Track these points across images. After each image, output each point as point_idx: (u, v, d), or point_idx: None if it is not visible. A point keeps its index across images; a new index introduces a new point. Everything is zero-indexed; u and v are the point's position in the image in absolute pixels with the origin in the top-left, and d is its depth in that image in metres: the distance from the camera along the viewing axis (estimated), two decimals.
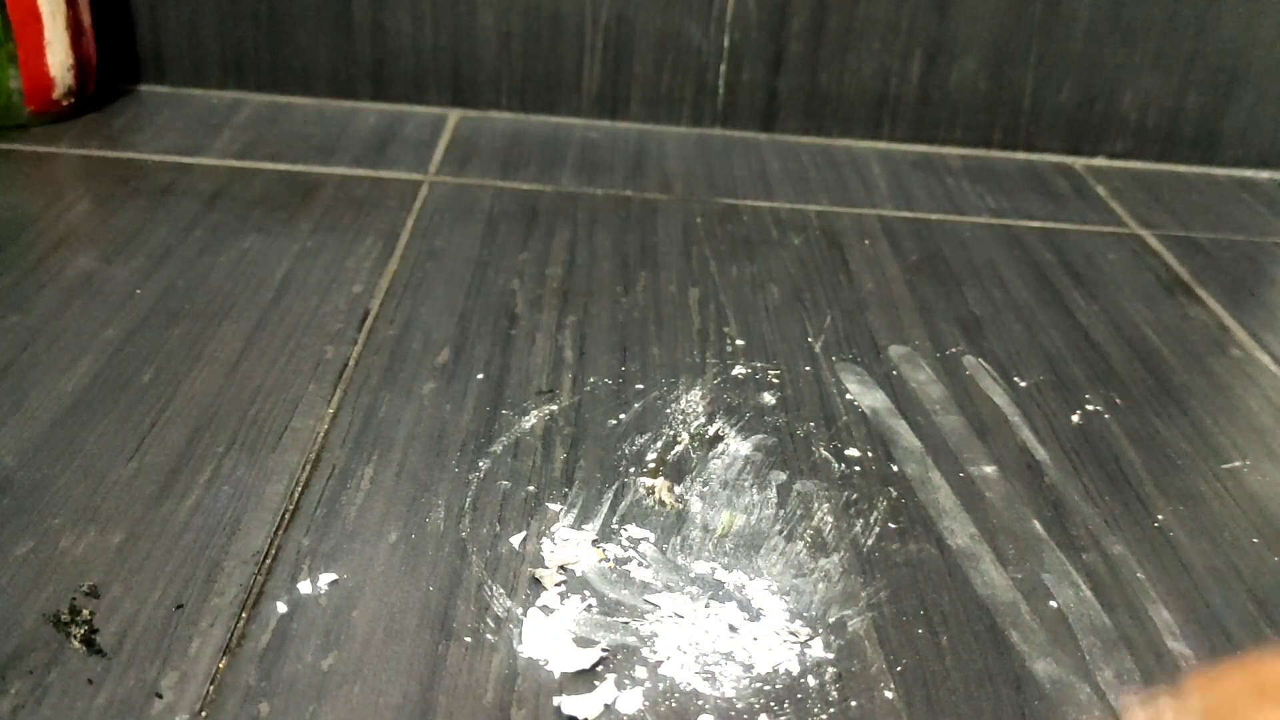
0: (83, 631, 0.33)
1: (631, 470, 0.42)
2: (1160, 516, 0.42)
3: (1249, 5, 0.73)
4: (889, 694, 0.33)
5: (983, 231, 0.65)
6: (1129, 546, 0.40)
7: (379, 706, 0.31)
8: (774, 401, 0.47)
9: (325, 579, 0.35)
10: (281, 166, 0.66)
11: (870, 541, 0.39)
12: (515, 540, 0.38)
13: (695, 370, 0.49)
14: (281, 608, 0.34)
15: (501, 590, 0.35)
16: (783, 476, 0.42)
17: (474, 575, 0.36)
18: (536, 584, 0.36)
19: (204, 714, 0.31)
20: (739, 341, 0.51)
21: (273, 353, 0.47)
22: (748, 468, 0.42)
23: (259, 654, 0.33)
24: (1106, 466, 0.44)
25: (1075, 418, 0.47)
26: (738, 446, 0.44)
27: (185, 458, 0.41)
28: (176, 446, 0.41)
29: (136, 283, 0.52)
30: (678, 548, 0.38)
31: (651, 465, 0.42)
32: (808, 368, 0.49)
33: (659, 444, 0.43)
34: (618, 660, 0.33)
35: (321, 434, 0.42)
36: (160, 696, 0.31)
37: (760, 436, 0.44)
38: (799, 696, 0.32)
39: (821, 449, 0.44)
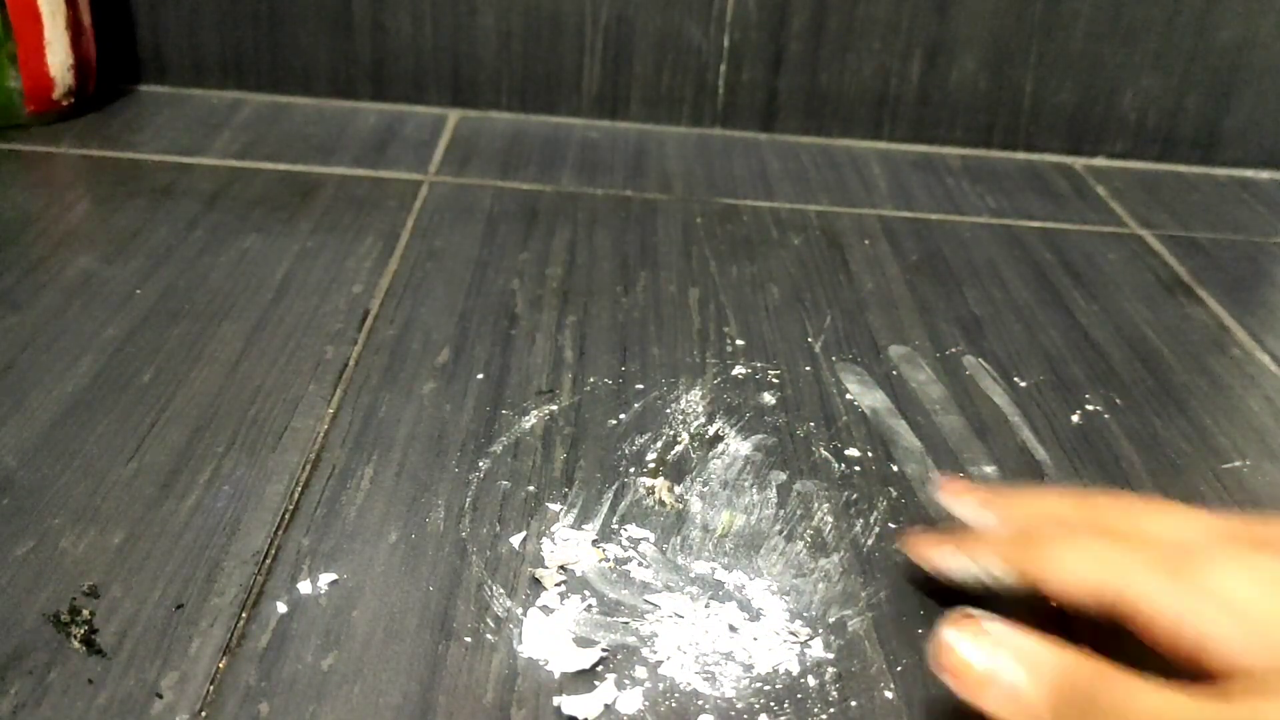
0: (83, 631, 0.33)
1: (631, 470, 0.42)
2: None
3: (1249, 5, 0.73)
4: (889, 694, 0.33)
5: (983, 231, 0.65)
6: None
7: (379, 706, 0.31)
8: (774, 401, 0.47)
9: (325, 579, 0.35)
10: (281, 166, 0.66)
11: (870, 541, 0.39)
12: (515, 540, 0.38)
13: (695, 370, 0.49)
14: (281, 608, 0.34)
15: (501, 590, 0.35)
16: (783, 476, 0.42)
17: (474, 575, 0.36)
18: (536, 584, 0.36)
19: (204, 714, 0.31)
20: (739, 341, 0.51)
21: (273, 353, 0.47)
22: (748, 468, 0.42)
23: (259, 654, 0.33)
24: (1106, 466, 0.44)
25: (1075, 418, 0.47)
26: (738, 446, 0.44)
27: (185, 458, 0.41)
28: (176, 446, 0.41)
29: (136, 283, 0.52)
30: (678, 548, 0.38)
31: (651, 465, 0.42)
32: (808, 368, 0.49)
33: (659, 444, 0.43)
34: (618, 660, 0.33)
35: (321, 434, 0.42)
36: (160, 696, 0.31)
37: (760, 436, 0.44)
38: (799, 696, 0.32)
39: (821, 449, 0.44)
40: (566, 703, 0.31)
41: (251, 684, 0.32)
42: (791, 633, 0.34)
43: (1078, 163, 0.77)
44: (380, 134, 0.72)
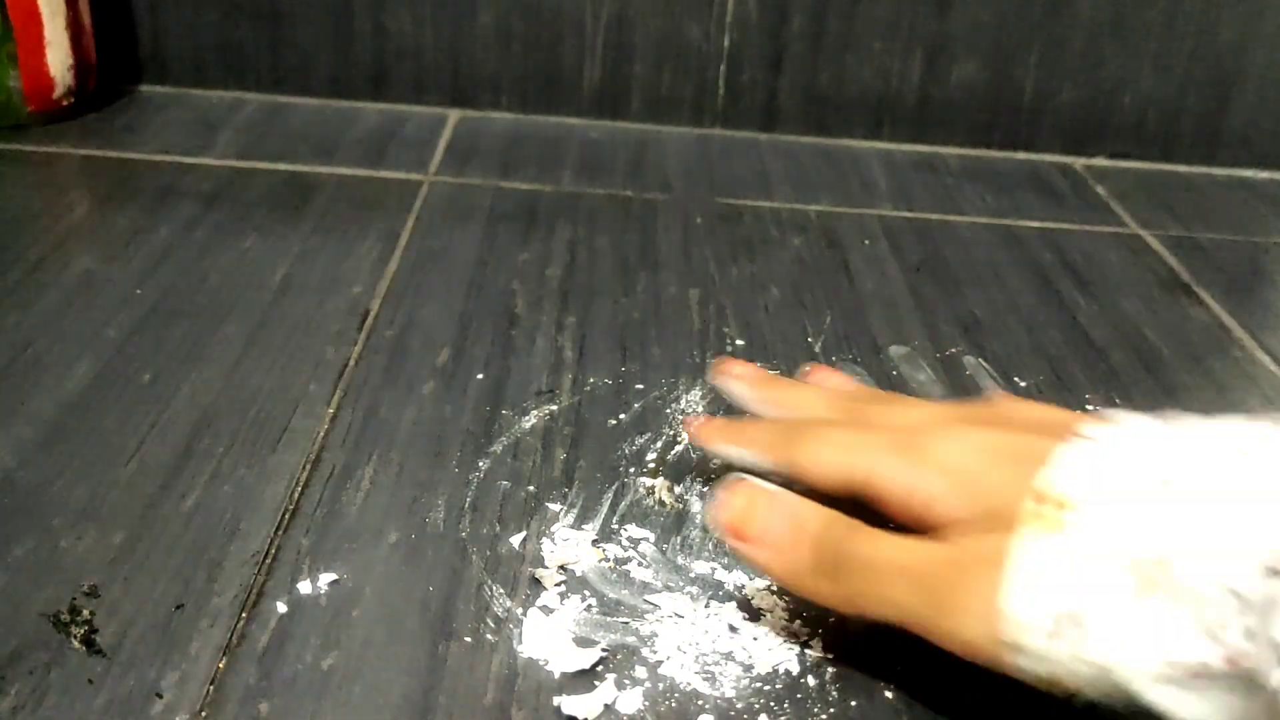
0: (83, 631, 0.33)
1: (631, 470, 0.42)
2: None
3: (1249, 5, 0.73)
4: (889, 694, 0.33)
5: (983, 231, 0.65)
6: None
7: (379, 706, 0.31)
8: None
9: (325, 579, 0.35)
10: (281, 166, 0.66)
11: None
12: (515, 540, 0.38)
13: (695, 370, 0.49)
14: (281, 608, 0.34)
15: (501, 590, 0.35)
16: None
17: (474, 575, 0.36)
18: (536, 584, 0.36)
19: (204, 714, 0.31)
20: (739, 341, 0.51)
21: (273, 353, 0.47)
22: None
23: (259, 654, 0.33)
24: None
25: None
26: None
27: (185, 458, 0.41)
28: (176, 446, 0.41)
29: (136, 283, 0.52)
30: (678, 548, 0.38)
31: (651, 465, 0.42)
32: (807, 368, 0.49)
33: (659, 444, 0.43)
34: (618, 660, 0.33)
35: (321, 434, 0.42)
36: (160, 696, 0.31)
37: None
38: (799, 696, 0.32)
39: None
40: (566, 703, 0.31)
41: (251, 684, 0.32)
42: (791, 633, 0.34)
43: (1078, 163, 0.77)
44: (380, 134, 0.72)
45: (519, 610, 0.35)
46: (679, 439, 0.44)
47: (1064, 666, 0.27)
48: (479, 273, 0.56)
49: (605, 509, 0.39)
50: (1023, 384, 0.49)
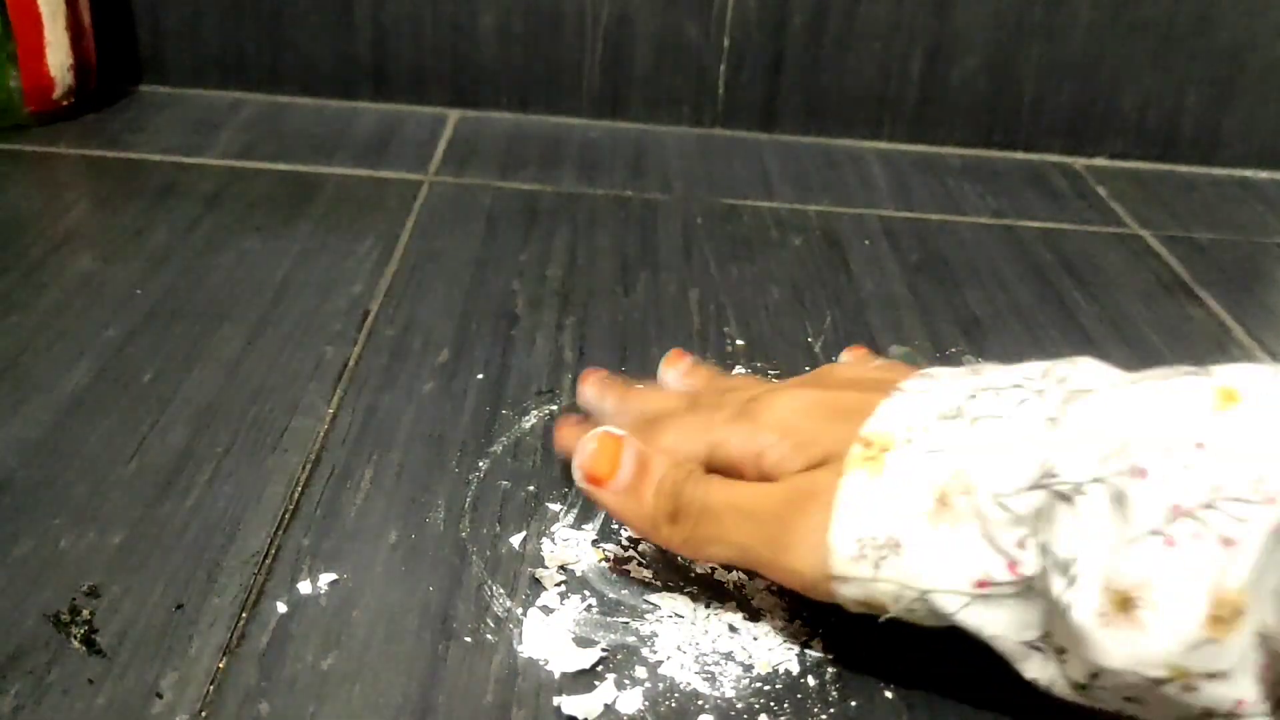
0: (83, 631, 0.33)
1: None
2: None
3: (1249, 5, 0.73)
4: (889, 694, 0.33)
5: (983, 231, 0.65)
6: None
7: (379, 706, 0.31)
8: None
9: (325, 579, 0.35)
10: (281, 166, 0.66)
11: None
12: (515, 540, 0.38)
13: None
14: (281, 608, 0.34)
15: (501, 590, 0.35)
16: None
17: (474, 575, 0.36)
18: (536, 584, 0.36)
19: (204, 714, 0.31)
20: (739, 341, 0.51)
21: (273, 353, 0.47)
22: None
23: (259, 654, 0.33)
24: None
25: None
26: None
27: (185, 458, 0.41)
28: (176, 446, 0.41)
29: (136, 283, 0.52)
30: None
31: None
32: (808, 367, 0.49)
33: None
34: (618, 660, 0.33)
35: (321, 434, 0.42)
36: (160, 696, 0.31)
37: None
38: (799, 696, 0.32)
39: None
40: (566, 703, 0.31)
41: (251, 684, 0.32)
42: (791, 633, 0.34)
43: (1078, 163, 0.77)
44: (380, 134, 0.72)
45: (519, 610, 0.35)
46: None
47: (882, 592, 0.30)
48: (479, 273, 0.56)
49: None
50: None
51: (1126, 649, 0.26)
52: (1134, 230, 0.67)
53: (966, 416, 0.30)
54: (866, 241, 0.62)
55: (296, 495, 0.39)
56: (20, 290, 0.51)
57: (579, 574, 0.36)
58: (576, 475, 0.35)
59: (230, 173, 0.65)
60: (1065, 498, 0.28)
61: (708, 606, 0.35)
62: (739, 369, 0.49)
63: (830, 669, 0.33)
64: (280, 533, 0.37)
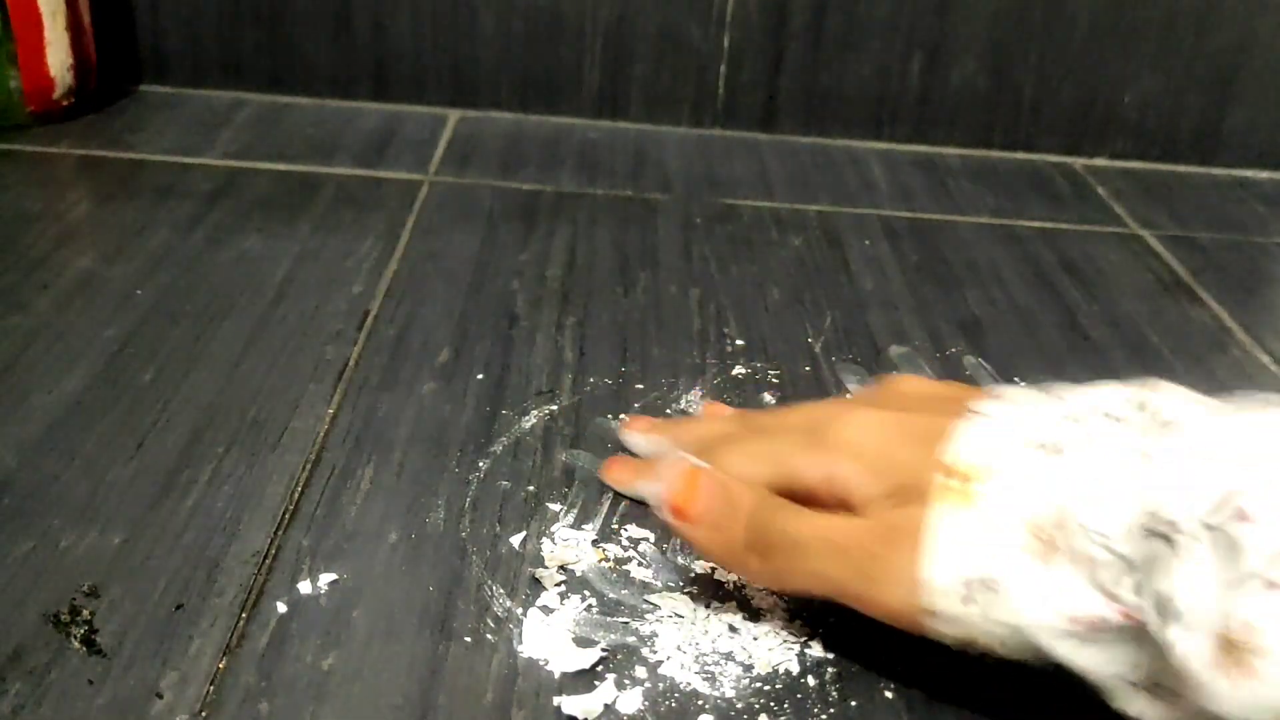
0: (83, 631, 0.33)
1: None
2: None
3: (1249, 5, 0.73)
4: (889, 694, 0.33)
5: (983, 231, 0.65)
6: None
7: (379, 706, 0.31)
8: (774, 401, 0.47)
9: (325, 579, 0.35)
10: (281, 166, 0.66)
11: None
12: (515, 540, 0.38)
13: (695, 370, 0.49)
14: (281, 608, 0.34)
15: (501, 590, 0.35)
16: None
17: (474, 575, 0.36)
18: (536, 584, 0.36)
19: (204, 714, 0.31)
20: (739, 341, 0.51)
21: (273, 353, 0.47)
22: None
23: (259, 654, 0.33)
24: None
25: None
26: None
27: (185, 458, 0.41)
28: (176, 446, 0.41)
29: (136, 283, 0.52)
30: (678, 548, 0.38)
31: None
32: (808, 368, 0.49)
33: None
34: (618, 660, 0.33)
35: (321, 434, 0.42)
36: (160, 696, 0.31)
37: None
38: (799, 696, 0.32)
39: None
40: (566, 703, 0.31)
41: (251, 684, 0.32)
42: (791, 633, 0.34)
43: (1078, 163, 0.77)
44: (380, 134, 0.72)
45: (519, 610, 0.35)
46: None
47: (978, 628, 0.30)
48: (479, 273, 0.56)
49: (605, 509, 0.39)
50: (1023, 384, 0.49)
51: (1244, 696, 0.26)
52: (1134, 230, 0.67)
53: (1053, 447, 0.30)
54: (866, 241, 0.62)
55: (296, 495, 0.39)
56: (20, 290, 0.51)
57: (579, 574, 0.36)
58: (659, 508, 0.34)
59: (230, 173, 0.65)
60: (1169, 540, 0.27)
61: (708, 606, 0.35)
62: (739, 368, 0.49)
63: (830, 669, 0.33)
64: (280, 533, 0.37)
